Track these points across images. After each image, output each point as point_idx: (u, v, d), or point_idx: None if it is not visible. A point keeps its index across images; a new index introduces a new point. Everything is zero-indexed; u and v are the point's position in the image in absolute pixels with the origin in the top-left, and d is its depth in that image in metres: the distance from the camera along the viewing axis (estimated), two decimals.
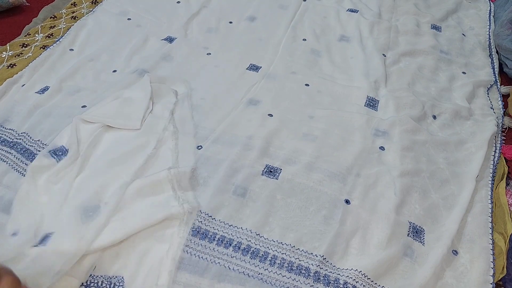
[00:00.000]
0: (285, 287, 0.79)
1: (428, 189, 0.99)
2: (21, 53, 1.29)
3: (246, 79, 1.25)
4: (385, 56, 1.37)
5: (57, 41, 1.36)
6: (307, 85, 1.24)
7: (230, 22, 1.49)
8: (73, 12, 1.50)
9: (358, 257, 0.85)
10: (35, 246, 0.78)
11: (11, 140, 1.02)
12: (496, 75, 1.36)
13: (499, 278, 0.85)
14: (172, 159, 0.97)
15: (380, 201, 0.94)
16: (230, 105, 1.15)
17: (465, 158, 1.08)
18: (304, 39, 1.42)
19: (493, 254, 0.88)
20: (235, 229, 0.88)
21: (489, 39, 1.50)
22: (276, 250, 0.85)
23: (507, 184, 1.05)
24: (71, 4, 1.54)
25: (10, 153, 0.99)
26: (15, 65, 1.25)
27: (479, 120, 1.19)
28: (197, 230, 0.86)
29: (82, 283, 0.78)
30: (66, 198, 0.88)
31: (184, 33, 1.42)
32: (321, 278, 0.81)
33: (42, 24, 1.42)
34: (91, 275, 0.79)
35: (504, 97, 1.28)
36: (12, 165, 0.97)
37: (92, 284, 0.78)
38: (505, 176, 1.05)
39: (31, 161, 0.95)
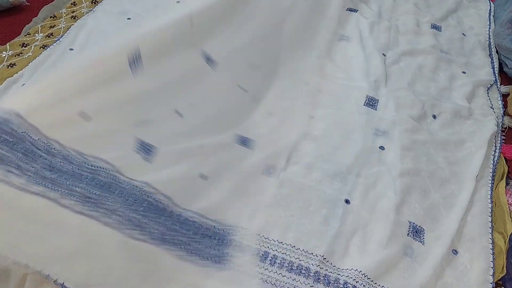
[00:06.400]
0: (285, 287, 0.79)
1: (428, 189, 0.99)
2: (21, 53, 1.29)
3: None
4: (385, 55, 1.36)
5: (57, 40, 1.35)
6: (307, 84, 1.24)
7: None
8: (73, 12, 1.49)
9: (358, 256, 0.85)
10: None
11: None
12: (496, 74, 1.35)
13: (499, 278, 0.85)
14: None
15: (380, 201, 0.94)
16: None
17: (465, 158, 1.08)
18: None
19: (493, 253, 0.88)
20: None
21: (489, 38, 1.50)
22: (276, 250, 0.85)
23: (507, 184, 1.05)
24: (71, 4, 1.53)
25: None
26: (15, 65, 1.24)
27: (479, 119, 1.19)
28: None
29: None
30: None
31: None
32: (321, 278, 0.81)
33: (42, 24, 1.42)
34: None
35: (504, 96, 1.28)
36: None
37: None
38: (505, 175, 1.06)
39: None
